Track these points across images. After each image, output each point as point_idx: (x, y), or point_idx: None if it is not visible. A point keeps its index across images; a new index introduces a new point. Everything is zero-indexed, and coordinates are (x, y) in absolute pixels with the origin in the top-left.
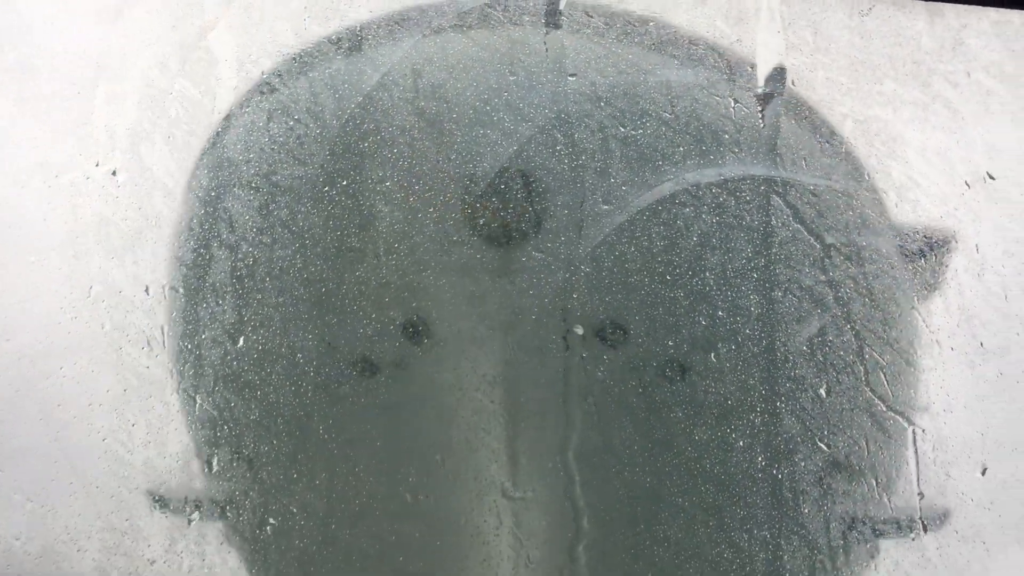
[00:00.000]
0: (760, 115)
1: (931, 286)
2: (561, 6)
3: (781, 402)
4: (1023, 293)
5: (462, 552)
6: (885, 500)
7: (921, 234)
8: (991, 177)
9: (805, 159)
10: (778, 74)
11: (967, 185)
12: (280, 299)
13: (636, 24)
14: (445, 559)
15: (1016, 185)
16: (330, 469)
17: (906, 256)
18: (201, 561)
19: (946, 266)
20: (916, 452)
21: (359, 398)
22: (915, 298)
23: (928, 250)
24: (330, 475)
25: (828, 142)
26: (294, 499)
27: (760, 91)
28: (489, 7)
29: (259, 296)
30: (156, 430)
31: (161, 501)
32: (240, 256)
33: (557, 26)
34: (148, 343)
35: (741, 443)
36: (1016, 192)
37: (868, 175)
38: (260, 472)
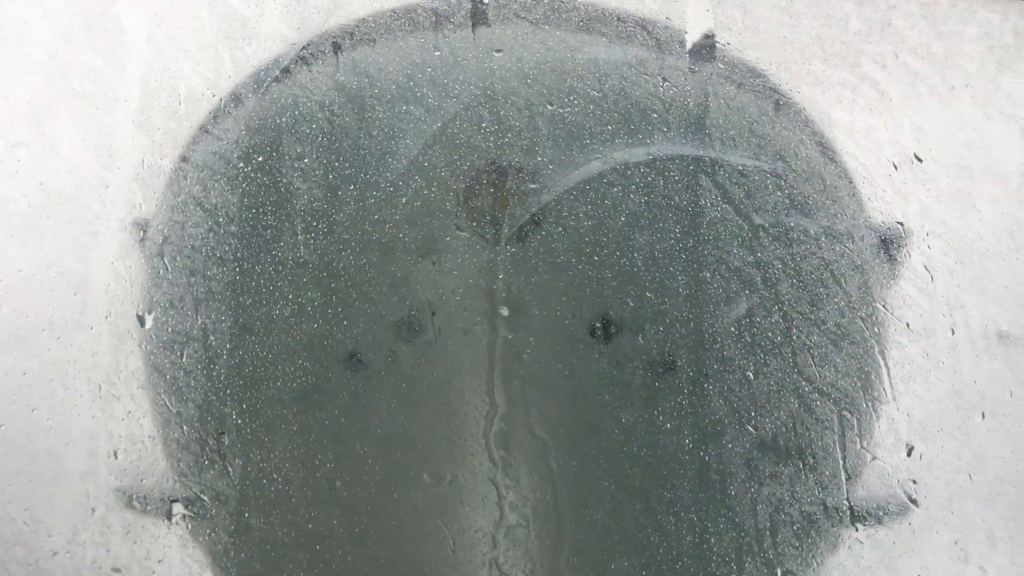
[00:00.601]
0: (689, 93)
1: (858, 267)
2: None
3: (709, 384)
4: (949, 275)
5: (388, 543)
6: (812, 482)
7: (850, 216)
8: (918, 159)
9: (735, 138)
10: (707, 53)
11: (894, 167)
12: (193, 279)
13: (564, 0)
14: (370, 550)
15: (942, 167)
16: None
17: (835, 237)
18: (106, 552)
19: (875, 248)
20: (842, 433)
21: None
22: (843, 279)
23: (856, 231)
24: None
25: (757, 121)
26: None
27: (689, 69)
28: None
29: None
30: (58, 415)
31: (138, 501)
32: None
33: (483, 0)
34: (50, 325)
35: (668, 425)
36: (942, 174)
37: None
38: (229, 467)
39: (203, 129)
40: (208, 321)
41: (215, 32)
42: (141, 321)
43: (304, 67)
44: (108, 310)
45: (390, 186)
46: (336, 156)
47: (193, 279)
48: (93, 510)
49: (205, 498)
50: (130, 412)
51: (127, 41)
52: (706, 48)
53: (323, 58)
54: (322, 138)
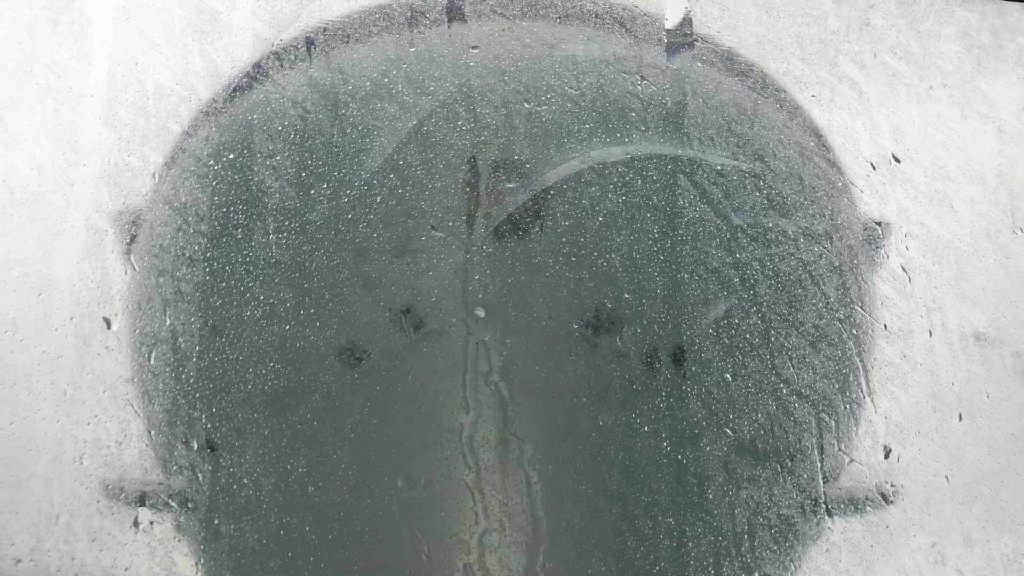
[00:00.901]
0: (667, 92)
1: (836, 268)
2: None
3: (687, 386)
4: (927, 276)
5: (361, 550)
6: (789, 485)
7: (828, 216)
8: (896, 159)
9: (713, 138)
10: (685, 51)
11: (872, 167)
12: (162, 280)
13: None
14: (342, 557)
15: (920, 167)
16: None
17: (813, 238)
18: (71, 560)
19: (852, 248)
20: (820, 436)
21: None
22: (821, 280)
23: (835, 232)
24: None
25: (736, 120)
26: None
27: (667, 67)
28: None
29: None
30: (21, 420)
31: (103, 507)
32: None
33: None
34: (13, 326)
35: (646, 428)
36: (920, 174)
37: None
38: (221, 462)
39: (186, 133)
40: (177, 323)
41: (185, 26)
42: (107, 323)
43: (276, 62)
44: (73, 312)
45: (364, 185)
46: (309, 154)
47: (161, 280)
48: (57, 517)
49: (174, 504)
50: (96, 416)
51: (93, 34)
52: (684, 45)
53: (295, 53)
54: (294, 135)
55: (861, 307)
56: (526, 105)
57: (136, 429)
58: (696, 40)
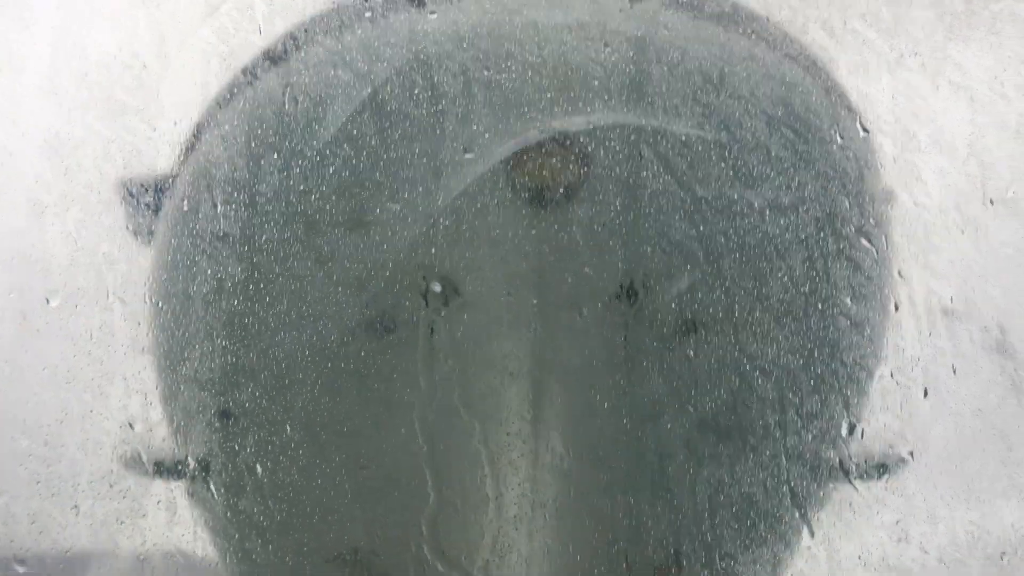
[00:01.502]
0: (631, 60)
1: (803, 242)
2: None
3: (648, 362)
4: (894, 248)
5: (310, 531)
6: (751, 463)
7: (795, 191)
8: (864, 130)
9: (678, 107)
10: (650, 17)
11: (840, 138)
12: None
13: None
14: (290, 539)
15: (889, 137)
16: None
17: (780, 210)
18: (9, 542)
19: (819, 222)
20: (783, 412)
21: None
22: (786, 253)
23: (801, 204)
24: None
25: (702, 89)
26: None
27: (631, 35)
28: None
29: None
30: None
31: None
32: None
33: None
34: None
35: (605, 405)
36: (889, 145)
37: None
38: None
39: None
40: (118, 299)
41: None
42: (47, 300)
43: (224, 27)
44: (11, 286)
45: (316, 155)
46: (258, 123)
47: (104, 253)
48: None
49: (116, 486)
50: (35, 395)
51: (35, 3)
52: (649, 11)
53: (245, 17)
54: (243, 103)
55: (828, 281)
56: (486, 73)
57: (77, 409)
58: (662, 6)
